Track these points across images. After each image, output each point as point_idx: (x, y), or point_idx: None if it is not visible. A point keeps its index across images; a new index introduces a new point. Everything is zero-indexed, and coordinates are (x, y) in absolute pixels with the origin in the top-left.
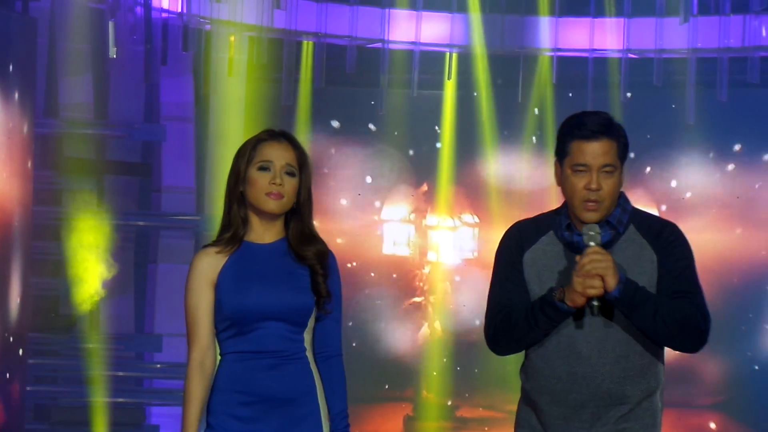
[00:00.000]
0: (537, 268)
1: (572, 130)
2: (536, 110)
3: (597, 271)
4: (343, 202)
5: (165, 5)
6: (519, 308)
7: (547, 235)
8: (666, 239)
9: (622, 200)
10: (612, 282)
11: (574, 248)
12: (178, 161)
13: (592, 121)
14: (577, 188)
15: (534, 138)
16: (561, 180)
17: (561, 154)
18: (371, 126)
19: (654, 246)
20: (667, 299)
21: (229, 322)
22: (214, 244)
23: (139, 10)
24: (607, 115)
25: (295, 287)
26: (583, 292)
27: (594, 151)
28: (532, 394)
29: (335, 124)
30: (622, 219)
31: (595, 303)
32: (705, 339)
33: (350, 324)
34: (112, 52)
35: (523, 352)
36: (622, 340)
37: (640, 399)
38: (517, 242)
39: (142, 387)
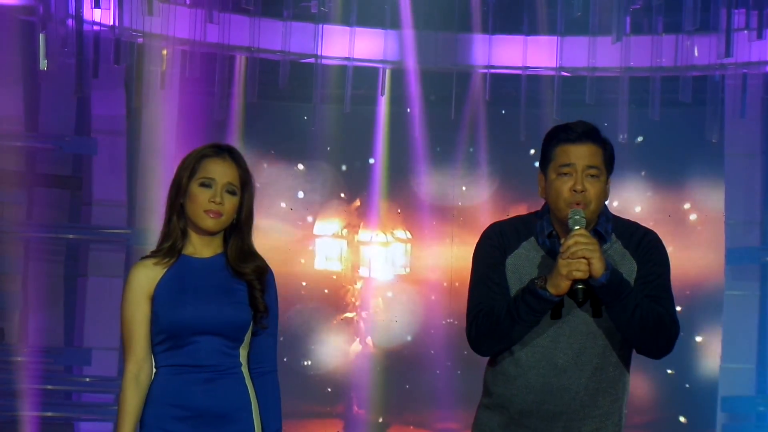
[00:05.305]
0: (519, 274)
1: (558, 134)
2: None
3: (583, 254)
4: (275, 216)
5: (97, 18)
6: (501, 305)
7: (528, 240)
8: (645, 247)
9: (605, 209)
10: (598, 266)
11: (555, 256)
12: (109, 175)
13: (578, 126)
14: (561, 191)
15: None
16: (545, 190)
17: (545, 162)
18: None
19: (634, 255)
20: (646, 299)
21: (165, 335)
22: (152, 255)
23: (70, 22)
24: (594, 124)
25: (232, 302)
26: (569, 274)
27: (579, 152)
28: (500, 400)
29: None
30: (608, 228)
31: (580, 286)
32: (671, 347)
33: (281, 339)
34: (43, 65)
35: (489, 357)
36: (599, 353)
37: (609, 409)
38: (499, 244)
39: (71, 401)
